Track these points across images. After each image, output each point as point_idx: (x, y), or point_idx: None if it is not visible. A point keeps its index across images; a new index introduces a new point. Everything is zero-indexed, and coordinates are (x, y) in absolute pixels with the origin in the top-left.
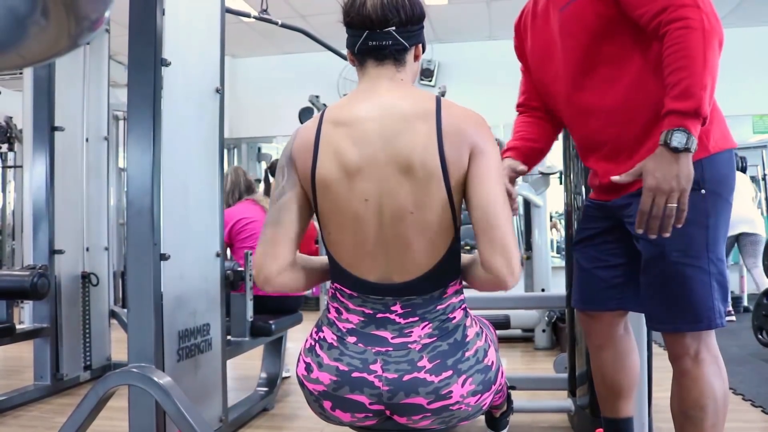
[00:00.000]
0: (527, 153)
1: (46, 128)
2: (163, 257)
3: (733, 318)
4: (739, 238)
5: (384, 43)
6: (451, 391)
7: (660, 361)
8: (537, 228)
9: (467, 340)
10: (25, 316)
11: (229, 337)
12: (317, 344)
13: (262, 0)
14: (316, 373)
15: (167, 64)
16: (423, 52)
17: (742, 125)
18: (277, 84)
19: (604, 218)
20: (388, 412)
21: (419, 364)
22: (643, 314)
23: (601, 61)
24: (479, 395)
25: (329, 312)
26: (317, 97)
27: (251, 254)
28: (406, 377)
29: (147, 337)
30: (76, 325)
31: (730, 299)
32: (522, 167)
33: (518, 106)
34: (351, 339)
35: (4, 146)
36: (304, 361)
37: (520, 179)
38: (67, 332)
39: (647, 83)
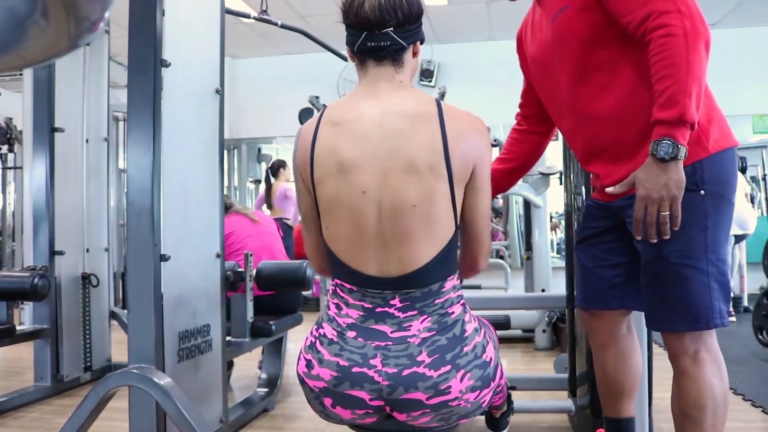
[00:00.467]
0: (497, 178)
1: (46, 129)
2: (163, 258)
3: (734, 318)
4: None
5: (382, 43)
6: (449, 387)
7: (660, 361)
8: (537, 228)
9: (466, 335)
10: (25, 317)
11: (229, 338)
12: (317, 341)
13: (261, 1)
14: (317, 370)
15: (167, 65)
16: (421, 44)
17: (742, 125)
18: (276, 85)
19: (606, 218)
20: (387, 409)
21: (418, 358)
22: (642, 314)
23: (595, 68)
24: (478, 391)
25: (329, 309)
26: (317, 97)
27: (251, 255)
28: (406, 372)
29: (147, 337)
30: (77, 326)
31: (730, 299)
32: None
33: (517, 114)
34: (351, 334)
35: (4, 147)
36: (305, 359)
37: (520, 180)
38: (67, 333)
39: (641, 87)
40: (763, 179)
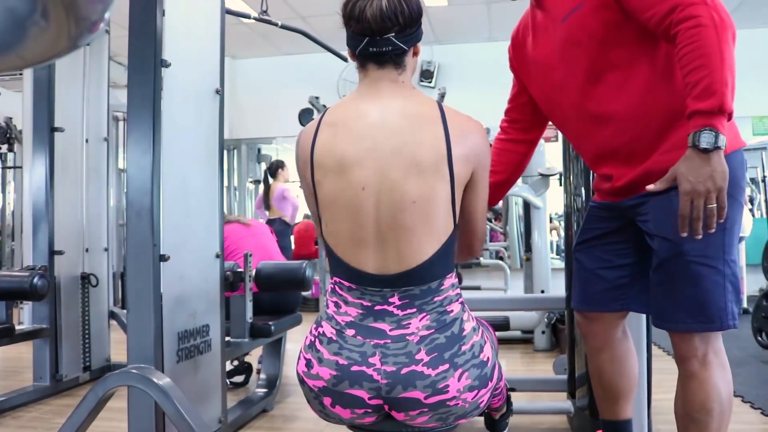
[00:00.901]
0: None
1: (46, 129)
2: (163, 258)
3: None
4: None
5: (384, 49)
6: (447, 385)
7: (660, 363)
8: (537, 230)
9: (464, 333)
10: (24, 316)
11: (228, 338)
12: (317, 339)
13: (262, 1)
14: (317, 369)
15: (167, 65)
16: (419, 40)
17: (742, 127)
18: (276, 85)
19: (613, 219)
20: (386, 408)
21: (417, 356)
22: (642, 316)
23: (610, 68)
24: (476, 391)
25: (328, 307)
26: (317, 98)
27: (251, 255)
28: (404, 370)
29: (146, 338)
30: (76, 326)
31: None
32: None
33: (504, 121)
34: (350, 332)
35: (4, 147)
36: (305, 358)
37: (519, 181)
38: (66, 333)
39: (657, 87)
40: (763, 181)
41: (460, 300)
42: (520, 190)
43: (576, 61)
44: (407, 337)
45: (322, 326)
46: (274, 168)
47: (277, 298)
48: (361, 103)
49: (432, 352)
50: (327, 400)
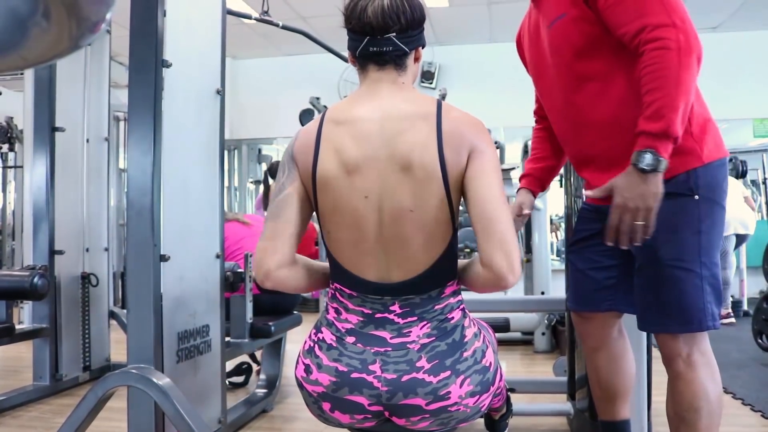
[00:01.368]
0: (540, 176)
1: (47, 129)
2: (163, 258)
3: (733, 320)
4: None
5: (385, 49)
6: (449, 392)
7: (659, 365)
8: (537, 231)
9: (465, 340)
10: (24, 316)
11: (228, 339)
12: (316, 345)
13: (263, 2)
14: (316, 374)
15: (168, 66)
16: (423, 48)
17: (743, 129)
18: (277, 85)
19: (599, 220)
20: (387, 414)
21: (418, 364)
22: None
23: (589, 78)
24: (478, 396)
25: (328, 313)
26: (318, 98)
27: (251, 256)
28: (405, 378)
29: (146, 338)
30: (76, 326)
31: (729, 303)
32: (527, 211)
33: (534, 112)
34: (350, 339)
35: (5, 146)
36: (303, 363)
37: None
38: (66, 333)
39: (633, 99)
40: (764, 183)
41: (462, 306)
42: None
43: (559, 68)
44: (408, 345)
45: (321, 332)
46: (274, 169)
47: (275, 299)
48: (361, 106)
49: (433, 360)
50: (326, 405)
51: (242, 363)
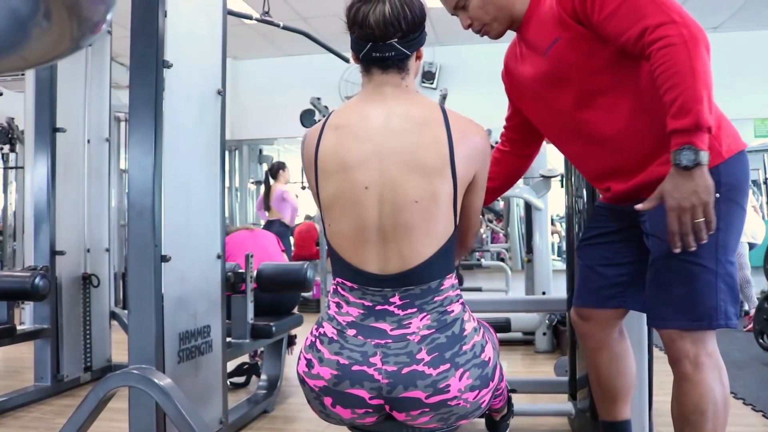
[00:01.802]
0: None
1: (48, 129)
2: (164, 259)
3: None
4: None
5: (387, 54)
6: (448, 385)
7: (660, 365)
8: (538, 231)
9: (465, 333)
10: (25, 317)
11: (229, 339)
12: (317, 340)
13: (263, 2)
14: (317, 369)
15: (169, 66)
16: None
17: (744, 129)
18: (278, 86)
19: (616, 219)
20: (387, 408)
21: (418, 356)
22: (643, 318)
23: (597, 93)
24: (477, 391)
25: (329, 307)
26: (319, 99)
27: (252, 256)
28: (405, 370)
29: (147, 338)
30: (77, 327)
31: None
32: None
33: (502, 133)
34: (351, 332)
35: (6, 147)
36: (305, 358)
37: (520, 182)
38: (67, 333)
39: (646, 104)
40: (765, 183)
41: (461, 300)
42: (521, 192)
43: (563, 91)
44: (408, 337)
45: (323, 326)
46: (275, 169)
47: (274, 299)
48: (365, 107)
49: (433, 352)
50: (327, 400)
51: (243, 363)
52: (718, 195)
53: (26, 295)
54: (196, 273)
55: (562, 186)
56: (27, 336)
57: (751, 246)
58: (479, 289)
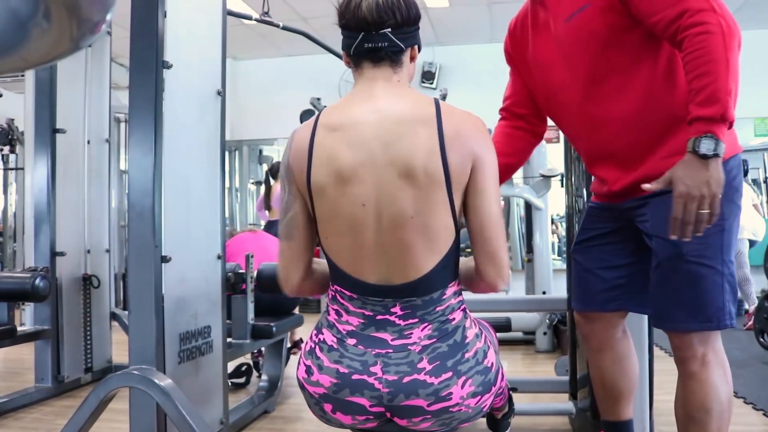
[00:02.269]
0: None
1: (48, 130)
2: (164, 259)
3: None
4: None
5: (380, 44)
6: (450, 393)
7: (661, 364)
8: (538, 230)
9: (467, 341)
10: (26, 318)
11: (229, 340)
12: (317, 347)
13: (263, 2)
14: (317, 376)
15: (168, 67)
16: (419, 51)
17: (744, 128)
18: (278, 86)
19: (611, 219)
20: (388, 414)
21: (419, 365)
22: (643, 317)
23: (611, 70)
24: (479, 397)
25: (329, 314)
26: (318, 99)
27: (252, 256)
28: (406, 379)
29: (148, 339)
30: (77, 327)
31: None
32: None
33: (501, 110)
34: (351, 341)
35: (6, 148)
36: (305, 364)
37: (521, 182)
38: (68, 334)
39: (658, 91)
40: (765, 182)
41: (462, 307)
42: (521, 191)
43: (578, 61)
44: (409, 347)
45: (322, 333)
46: (276, 169)
47: (275, 299)
48: (358, 107)
49: (434, 361)
50: (328, 407)
51: (243, 364)
52: (720, 195)
53: (26, 296)
54: (196, 273)
55: (562, 185)
56: (27, 337)
57: (752, 243)
58: None
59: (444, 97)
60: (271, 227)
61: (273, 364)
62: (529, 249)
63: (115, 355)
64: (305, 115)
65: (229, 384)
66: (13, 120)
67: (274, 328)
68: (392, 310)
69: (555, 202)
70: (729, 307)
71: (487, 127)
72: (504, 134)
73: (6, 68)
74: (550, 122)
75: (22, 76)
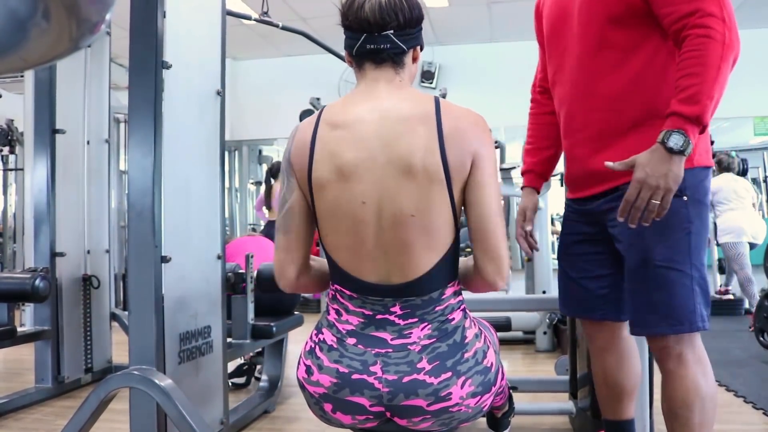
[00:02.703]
0: (542, 171)
1: (47, 131)
2: (164, 259)
3: (732, 297)
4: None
5: (382, 46)
6: (450, 393)
7: None
8: (538, 230)
9: (466, 341)
10: (26, 318)
11: (229, 340)
12: (317, 346)
13: (263, 2)
14: (317, 376)
15: (168, 67)
16: (421, 51)
17: (743, 127)
18: (278, 86)
19: (587, 224)
20: (388, 414)
21: (419, 365)
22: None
23: (611, 46)
24: (479, 397)
25: (329, 314)
26: (318, 99)
27: (252, 256)
28: (406, 379)
29: (148, 339)
30: (77, 328)
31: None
32: (530, 213)
33: (532, 88)
34: (351, 341)
35: (6, 149)
36: (305, 364)
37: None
38: (68, 335)
39: (647, 80)
40: (764, 181)
41: (462, 307)
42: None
43: (585, 30)
44: (409, 347)
45: (322, 333)
46: (276, 169)
47: (275, 299)
48: (359, 105)
49: (434, 361)
50: (328, 406)
51: (243, 364)
52: (685, 198)
53: (26, 297)
54: (196, 273)
55: (562, 185)
56: (27, 338)
57: (752, 246)
58: None
59: (443, 97)
60: (270, 227)
61: (273, 364)
62: None
63: (115, 356)
64: (305, 115)
65: (230, 384)
66: (12, 120)
67: (274, 328)
68: (392, 309)
69: (555, 202)
70: (700, 309)
71: (487, 124)
72: (535, 125)
73: (5, 68)
74: None
75: (22, 76)
